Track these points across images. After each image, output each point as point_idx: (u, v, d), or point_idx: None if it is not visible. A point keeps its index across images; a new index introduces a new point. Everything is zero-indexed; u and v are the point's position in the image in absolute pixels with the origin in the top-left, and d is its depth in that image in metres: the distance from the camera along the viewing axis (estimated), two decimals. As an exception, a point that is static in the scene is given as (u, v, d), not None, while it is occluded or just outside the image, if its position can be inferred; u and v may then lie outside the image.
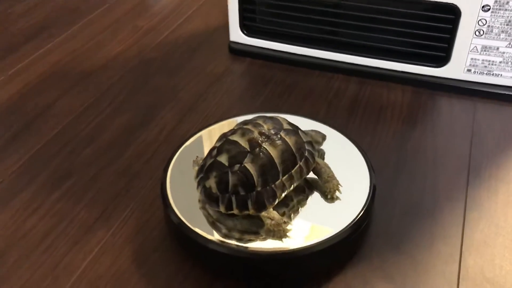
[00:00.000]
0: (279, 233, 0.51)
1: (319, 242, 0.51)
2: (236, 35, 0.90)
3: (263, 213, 0.52)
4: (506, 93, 0.78)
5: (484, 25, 0.74)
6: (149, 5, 1.10)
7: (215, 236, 0.52)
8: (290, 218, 0.53)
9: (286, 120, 0.57)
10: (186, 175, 0.58)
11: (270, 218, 0.51)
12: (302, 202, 0.55)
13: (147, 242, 0.58)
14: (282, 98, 0.81)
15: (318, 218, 0.54)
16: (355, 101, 0.80)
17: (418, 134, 0.72)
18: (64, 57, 0.93)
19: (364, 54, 0.83)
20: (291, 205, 0.55)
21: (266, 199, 0.52)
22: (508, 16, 0.73)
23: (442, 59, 0.80)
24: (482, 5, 0.73)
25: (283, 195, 0.53)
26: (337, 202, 0.55)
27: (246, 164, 0.51)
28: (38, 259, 0.56)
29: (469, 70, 0.79)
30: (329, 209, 0.55)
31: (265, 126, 0.54)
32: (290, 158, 0.53)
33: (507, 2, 0.72)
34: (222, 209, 0.52)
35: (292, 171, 0.53)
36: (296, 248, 0.50)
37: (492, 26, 0.74)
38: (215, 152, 0.54)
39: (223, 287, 0.53)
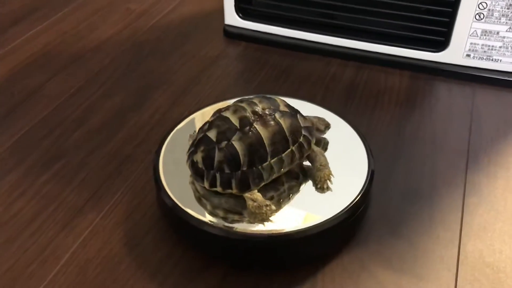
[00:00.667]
0: (261, 216, 0.50)
1: (315, 225, 0.49)
2: (232, 18, 0.88)
3: (247, 194, 0.50)
4: (506, 78, 0.77)
5: (484, 8, 0.73)
6: (142, -12, 1.08)
7: (209, 218, 0.50)
8: (279, 203, 0.52)
9: (285, 102, 0.56)
10: (179, 158, 0.56)
11: (253, 200, 0.50)
12: (293, 188, 0.54)
13: (138, 226, 0.56)
14: (278, 82, 0.79)
15: (312, 204, 0.52)
16: (352, 85, 0.78)
17: (416, 120, 0.71)
18: (55, 39, 0.90)
19: (361, 38, 0.82)
20: (281, 189, 0.53)
21: (251, 180, 0.50)
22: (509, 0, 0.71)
23: (441, 43, 0.78)
24: (483, -12, 0.72)
25: (271, 178, 0.52)
26: (333, 187, 0.53)
27: (233, 142, 0.50)
28: (25, 242, 0.54)
29: (468, 55, 0.77)
30: (325, 195, 0.53)
31: (260, 106, 0.53)
32: (281, 141, 0.52)
33: (509, -15, 0.70)
34: (206, 185, 0.51)
35: (283, 154, 0.52)
36: (292, 231, 0.49)
37: (492, 10, 0.73)
38: (206, 126, 0.53)
39: (216, 271, 0.51)
